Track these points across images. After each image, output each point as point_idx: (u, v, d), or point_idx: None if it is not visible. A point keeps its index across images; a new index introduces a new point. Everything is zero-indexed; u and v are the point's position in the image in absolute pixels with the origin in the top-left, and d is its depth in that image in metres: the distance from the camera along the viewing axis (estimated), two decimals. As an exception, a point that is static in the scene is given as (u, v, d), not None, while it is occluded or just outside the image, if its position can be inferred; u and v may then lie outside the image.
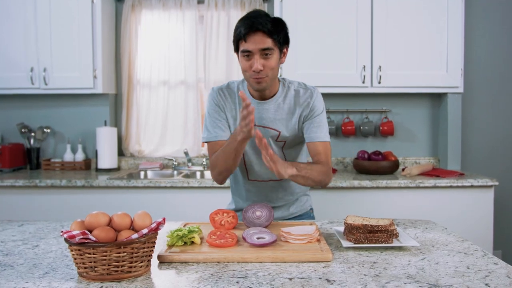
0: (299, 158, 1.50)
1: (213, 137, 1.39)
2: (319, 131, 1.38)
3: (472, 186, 2.34)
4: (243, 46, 1.29)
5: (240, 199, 1.53)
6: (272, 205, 1.48)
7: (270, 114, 1.39)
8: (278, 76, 1.42)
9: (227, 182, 1.54)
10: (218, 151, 1.34)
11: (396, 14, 2.52)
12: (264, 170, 1.42)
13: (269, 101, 1.38)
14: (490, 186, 2.35)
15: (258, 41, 1.27)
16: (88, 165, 2.78)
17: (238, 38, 1.30)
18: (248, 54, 1.29)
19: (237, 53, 1.34)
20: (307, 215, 1.57)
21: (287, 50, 1.37)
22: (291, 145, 1.43)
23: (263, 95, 1.38)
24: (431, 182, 2.32)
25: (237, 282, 0.88)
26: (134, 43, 2.81)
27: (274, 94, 1.39)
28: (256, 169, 1.44)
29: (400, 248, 1.11)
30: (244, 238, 1.11)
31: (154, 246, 0.97)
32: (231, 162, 1.31)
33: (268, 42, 1.27)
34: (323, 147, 1.37)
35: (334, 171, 2.67)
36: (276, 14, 2.55)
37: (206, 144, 1.50)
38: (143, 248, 0.93)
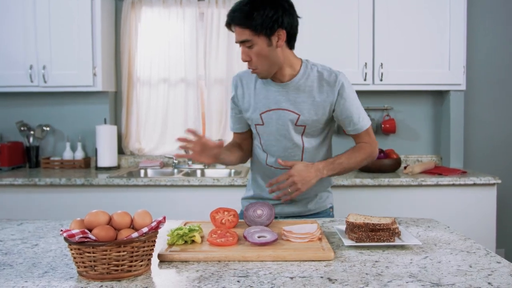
0: (319, 150, 1.44)
1: (231, 129, 1.52)
2: (360, 120, 1.38)
3: (474, 184, 2.33)
4: None
5: (258, 181, 1.51)
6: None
7: (290, 96, 1.36)
8: (302, 58, 1.40)
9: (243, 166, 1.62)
10: None
11: (398, 11, 2.50)
12: (279, 156, 1.41)
13: (288, 83, 1.36)
14: (493, 184, 2.34)
15: (237, 33, 1.29)
16: (87, 164, 2.78)
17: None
18: (239, 45, 1.32)
19: None
20: (326, 214, 1.53)
21: (280, 32, 1.29)
22: (311, 130, 1.39)
23: (280, 77, 1.36)
24: (433, 180, 2.31)
25: (238, 281, 0.88)
26: (134, 40, 2.80)
27: (294, 76, 1.36)
28: (273, 153, 1.42)
29: (402, 247, 1.11)
30: (245, 237, 1.10)
31: (154, 245, 0.97)
32: (227, 163, 1.48)
33: (245, 34, 1.27)
34: (366, 133, 1.41)
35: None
36: (277, 11, 2.54)
37: (247, 119, 1.52)
38: (143, 247, 0.93)
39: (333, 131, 1.49)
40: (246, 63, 1.33)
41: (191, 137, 1.33)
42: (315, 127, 1.38)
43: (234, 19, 1.26)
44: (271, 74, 1.34)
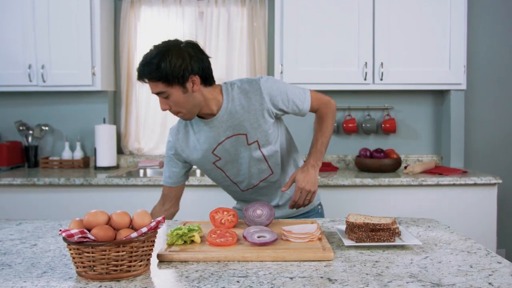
0: (282, 148, 1.45)
1: (168, 183, 1.51)
2: (303, 100, 1.41)
3: (475, 184, 2.32)
4: None
5: (244, 204, 1.52)
6: (282, 199, 1.48)
7: (228, 124, 1.34)
8: (220, 83, 1.37)
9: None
10: None
11: (398, 10, 2.49)
12: (250, 174, 1.41)
13: (218, 115, 1.33)
14: (494, 184, 2.33)
15: (151, 86, 1.27)
16: (86, 163, 2.77)
17: None
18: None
19: None
20: (315, 212, 1.55)
21: (193, 78, 1.26)
22: (265, 140, 1.38)
23: (209, 112, 1.34)
24: (433, 180, 2.31)
25: (238, 282, 0.88)
26: (133, 39, 2.79)
27: (221, 105, 1.34)
28: (244, 177, 1.42)
29: (402, 247, 1.10)
30: (244, 237, 1.10)
31: (153, 245, 0.97)
32: None
33: (158, 86, 1.25)
34: (315, 103, 1.44)
35: (336, 169, 2.65)
36: (277, 11, 2.53)
37: (200, 168, 1.53)
38: (143, 247, 0.92)
39: (283, 124, 1.48)
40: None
41: None
42: (266, 135, 1.38)
43: (145, 74, 1.24)
44: (195, 114, 1.33)
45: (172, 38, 1.33)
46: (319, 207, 1.59)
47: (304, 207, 1.41)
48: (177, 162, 1.45)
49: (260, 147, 1.38)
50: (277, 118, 1.42)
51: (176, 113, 1.31)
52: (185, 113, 1.31)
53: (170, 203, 1.53)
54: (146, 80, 1.25)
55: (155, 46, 1.27)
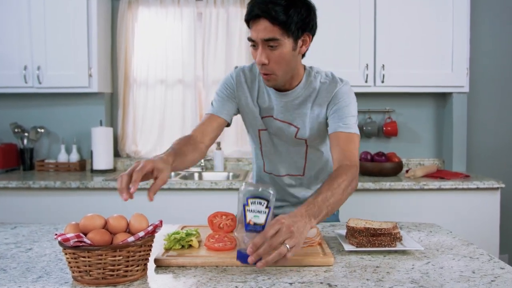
0: (324, 160, 1.38)
1: (214, 111, 1.31)
2: (343, 121, 1.21)
3: (477, 189, 2.31)
4: (249, 33, 1.16)
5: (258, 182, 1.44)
6: (290, 204, 1.42)
7: (288, 107, 1.27)
8: (304, 64, 1.29)
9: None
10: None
11: (400, 11, 2.48)
12: (281, 163, 1.34)
13: (289, 93, 1.26)
14: (496, 189, 2.32)
15: (261, 29, 1.11)
16: (83, 166, 2.75)
17: (245, 21, 1.17)
18: (253, 44, 1.15)
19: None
20: (334, 216, 1.50)
21: (309, 37, 1.18)
22: (314, 143, 1.32)
23: (283, 85, 1.25)
24: (435, 184, 2.30)
25: (236, 287, 0.86)
26: (131, 40, 2.78)
27: (296, 86, 1.26)
28: (272, 160, 1.36)
29: (403, 252, 1.09)
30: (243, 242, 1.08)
31: (150, 250, 0.95)
32: (182, 169, 1.23)
33: (274, 31, 1.11)
34: (345, 138, 1.19)
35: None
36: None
37: (246, 124, 1.40)
38: (140, 251, 0.91)
39: None
40: (258, 65, 1.18)
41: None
42: (317, 140, 1.31)
43: (268, 12, 1.09)
44: (283, 82, 1.22)
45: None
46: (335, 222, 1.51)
47: (268, 262, 0.90)
48: (230, 98, 1.31)
49: (307, 146, 1.32)
50: None
51: (269, 73, 1.17)
52: (279, 75, 1.18)
53: (202, 139, 1.28)
54: (255, 23, 1.10)
55: None
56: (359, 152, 2.68)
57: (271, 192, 0.95)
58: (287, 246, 0.90)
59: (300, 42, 1.18)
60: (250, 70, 1.33)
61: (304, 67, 1.30)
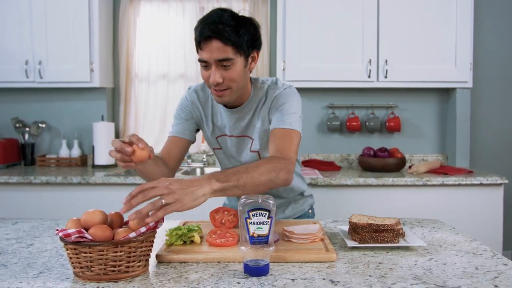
0: None
1: (174, 132, 1.33)
2: (281, 118, 1.21)
3: (481, 184, 2.30)
4: (200, 54, 1.16)
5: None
6: None
7: (241, 122, 1.28)
8: (252, 76, 1.30)
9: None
10: None
11: (403, 5, 2.47)
12: None
13: (239, 108, 1.27)
14: (500, 184, 2.31)
15: (215, 50, 1.12)
16: (84, 161, 2.74)
17: (195, 43, 1.17)
18: (205, 64, 1.16)
19: (197, 52, 1.19)
20: (306, 216, 1.49)
21: (257, 54, 1.21)
22: (265, 150, 1.30)
23: (233, 102, 1.25)
24: (438, 180, 2.29)
25: (238, 283, 0.86)
26: (133, 35, 2.77)
27: (246, 100, 1.27)
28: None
29: (406, 248, 1.09)
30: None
31: (152, 245, 0.95)
32: (148, 177, 1.25)
33: (227, 51, 1.13)
34: (281, 134, 1.19)
35: (339, 168, 2.62)
36: (279, 6, 2.50)
37: (205, 141, 1.45)
38: (141, 247, 0.91)
39: None
40: (207, 81, 1.18)
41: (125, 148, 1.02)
42: (267, 144, 1.29)
43: (220, 33, 1.10)
44: (235, 98, 1.22)
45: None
46: (310, 211, 1.51)
47: (141, 212, 0.92)
48: (188, 118, 1.32)
49: (260, 155, 1.32)
50: None
51: (224, 89, 1.18)
52: (234, 91, 1.19)
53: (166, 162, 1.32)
54: (206, 44, 1.11)
55: (223, 10, 1.16)
56: (362, 147, 2.68)
57: (271, 201, 0.95)
58: (162, 201, 0.93)
59: (249, 59, 1.20)
60: (203, 89, 1.34)
61: (251, 79, 1.30)
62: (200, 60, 1.16)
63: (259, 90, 1.28)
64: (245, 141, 1.31)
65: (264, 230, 0.94)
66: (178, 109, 1.36)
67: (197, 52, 1.18)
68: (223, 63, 1.14)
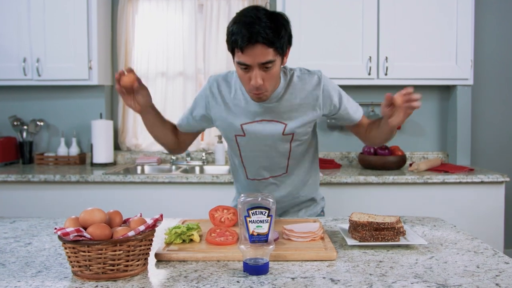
0: (306, 154, 1.41)
1: (178, 125, 1.44)
2: (355, 110, 1.37)
3: (482, 182, 2.29)
4: (239, 57, 1.16)
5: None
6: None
7: (273, 109, 1.29)
8: None
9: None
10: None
11: (404, 2, 2.45)
12: (263, 167, 1.36)
13: (270, 98, 1.27)
14: (501, 182, 2.30)
15: (258, 54, 1.14)
16: (83, 160, 2.73)
17: (233, 46, 1.17)
18: (245, 67, 1.17)
19: (232, 56, 1.21)
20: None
21: (289, 49, 1.24)
22: (300, 137, 1.34)
23: None
24: (439, 178, 2.28)
25: (238, 282, 0.86)
26: (131, 32, 2.76)
27: (276, 88, 1.28)
28: (254, 165, 1.38)
29: (407, 247, 1.09)
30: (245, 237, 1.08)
31: (151, 244, 0.95)
32: (155, 134, 1.40)
33: (269, 54, 1.15)
34: (364, 119, 1.41)
35: (339, 166, 2.62)
36: (279, 3, 2.49)
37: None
38: (140, 246, 0.91)
39: (316, 130, 1.45)
40: (247, 83, 1.21)
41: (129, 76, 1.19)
42: (304, 133, 1.34)
43: (264, 36, 1.11)
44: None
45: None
46: (322, 213, 1.54)
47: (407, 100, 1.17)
48: (204, 113, 1.37)
49: (292, 140, 1.33)
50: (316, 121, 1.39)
51: (262, 91, 1.21)
52: (270, 90, 1.23)
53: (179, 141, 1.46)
54: (248, 49, 1.12)
55: (257, 9, 1.16)
56: (362, 145, 2.66)
57: (271, 200, 0.95)
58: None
59: (285, 55, 1.23)
60: (225, 79, 1.35)
61: None
62: (240, 63, 1.17)
63: (289, 76, 1.30)
64: (277, 126, 1.31)
65: (263, 228, 0.94)
66: (197, 99, 1.39)
67: (232, 53, 1.19)
68: (265, 65, 1.16)
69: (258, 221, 0.93)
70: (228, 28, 1.18)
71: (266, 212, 0.94)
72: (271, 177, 1.39)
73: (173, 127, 1.44)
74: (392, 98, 1.18)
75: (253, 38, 1.12)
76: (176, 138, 1.43)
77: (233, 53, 1.20)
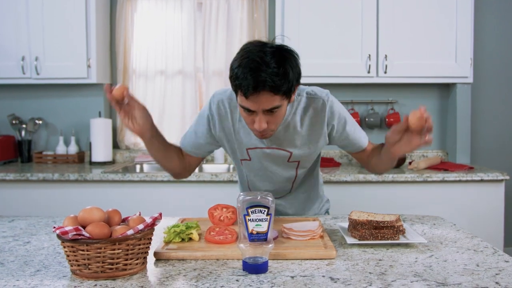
0: (310, 173, 1.40)
1: (183, 146, 1.34)
2: (360, 138, 1.29)
3: (482, 181, 2.29)
4: (243, 102, 1.09)
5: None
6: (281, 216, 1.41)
7: (279, 136, 1.24)
8: None
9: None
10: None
11: (403, 0, 2.45)
12: (269, 185, 1.35)
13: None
14: (501, 181, 2.30)
15: (263, 101, 1.06)
16: (81, 158, 2.73)
17: (236, 89, 1.09)
18: (249, 111, 1.10)
19: (235, 94, 1.13)
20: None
21: (298, 86, 1.14)
22: (306, 163, 1.32)
23: None
24: (439, 176, 2.28)
25: (237, 280, 0.86)
26: (130, 31, 2.75)
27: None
28: (258, 185, 1.37)
29: (407, 245, 1.09)
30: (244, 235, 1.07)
31: (150, 243, 0.95)
32: (159, 159, 1.30)
33: (275, 101, 1.06)
34: (369, 148, 1.32)
35: (338, 164, 2.62)
36: (278, 1, 2.48)
37: (229, 152, 1.38)
38: (139, 244, 0.91)
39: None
40: (250, 124, 1.14)
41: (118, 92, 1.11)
42: (310, 158, 1.31)
43: (270, 84, 1.03)
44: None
45: (256, 39, 1.13)
46: (327, 215, 1.53)
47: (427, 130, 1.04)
48: (210, 136, 1.29)
49: (298, 168, 1.31)
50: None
51: (267, 132, 1.14)
52: (276, 130, 1.16)
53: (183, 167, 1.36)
54: (253, 95, 1.03)
55: (262, 48, 1.06)
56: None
57: (270, 198, 0.95)
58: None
59: (292, 94, 1.14)
60: (230, 100, 1.25)
61: None
62: (243, 107, 1.10)
63: (296, 104, 1.23)
64: (281, 153, 1.27)
65: (263, 227, 0.93)
66: (201, 122, 1.29)
67: (235, 93, 1.11)
68: (271, 110, 1.09)
69: (257, 220, 0.93)
70: (232, 68, 1.09)
71: (265, 211, 0.94)
72: (276, 198, 1.38)
73: (178, 151, 1.34)
74: (408, 121, 1.05)
75: (259, 87, 1.04)
76: (181, 163, 1.34)
77: (236, 93, 1.12)
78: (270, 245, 0.93)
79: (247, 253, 0.92)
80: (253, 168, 1.33)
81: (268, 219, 0.93)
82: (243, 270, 0.92)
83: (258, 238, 0.93)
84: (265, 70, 1.03)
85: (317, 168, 1.43)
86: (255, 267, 0.90)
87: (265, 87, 1.04)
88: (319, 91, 1.26)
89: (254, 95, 1.05)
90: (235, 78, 1.07)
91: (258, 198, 0.94)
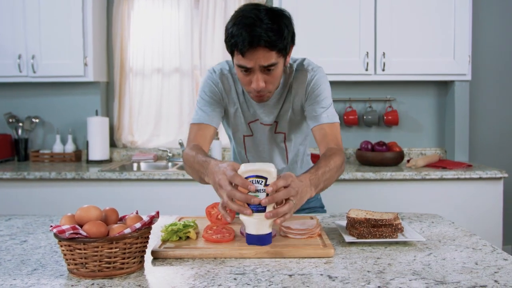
0: (301, 148, 1.41)
1: (203, 120, 1.26)
2: (325, 112, 1.21)
3: (480, 178, 2.29)
4: (239, 60, 1.10)
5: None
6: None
7: (274, 109, 1.26)
8: None
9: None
10: (191, 161, 1.16)
11: (401, -2, 2.45)
12: (266, 157, 1.35)
13: (271, 98, 1.24)
14: (499, 178, 2.30)
15: (260, 57, 1.08)
16: (78, 157, 2.72)
17: (233, 49, 1.10)
18: (246, 69, 1.12)
19: (231, 56, 1.14)
20: (318, 201, 1.53)
21: (292, 47, 1.16)
22: (291, 135, 1.33)
23: None
24: (437, 174, 2.28)
25: (235, 279, 0.85)
26: (127, 29, 2.74)
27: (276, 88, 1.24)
28: (256, 155, 1.37)
29: (405, 243, 1.08)
30: (242, 233, 1.07)
31: (147, 242, 0.95)
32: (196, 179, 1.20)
33: (272, 57, 1.08)
34: (330, 128, 1.21)
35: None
36: (276, -1, 2.48)
37: (230, 128, 1.37)
38: (136, 243, 0.90)
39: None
40: (247, 85, 1.16)
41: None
42: (295, 131, 1.32)
43: (266, 39, 1.04)
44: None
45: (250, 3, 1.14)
46: (321, 208, 1.55)
47: (279, 213, 0.95)
48: (218, 105, 1.26)
49: (285, 141, 1.32)
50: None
51: (264, 93, 1.16)
52: (272, 91, 1.18)
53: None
54: (249, 52, 1.04)
55: (257, 8, 1.08)
56: (359, 141, 2.67)
57: (272, 169, 0.94)
58: (293, 201, 0.95)
59: (288, 55, 1.16)
60: (230, 73, 1.27)
61: None
62: (241, 66, 1.11)
63: (288, 76, 1.25)
64: (272, 126, 1.30)
65: (260, 197, 0.94)
66: (207, 91, 1.27)
67: (231, 54, 1.12)
68: (268, 68, 1.11)
69: (255, 190, 0.94)
70: (227, 29, 1.10)
71: (263, 182, 0.94)
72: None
73: (202, 149, 1.26)
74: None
75: (255, 42, 1.05)
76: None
77: (232, 54, 1.13)
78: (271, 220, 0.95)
79: (248, 224, 0.94)
80: (254, 144, 1.34)
81: (265, 190, 0.93)
82: (247, 243, 0.93)
83: (257, 209, 0.95)
84: (260, 25, 1.05)
85: (306, 149, 1.45)
86: (259, 238, 0.91)
87: (260, 42, 1.05)
88: (308, 63, 1.27)
89: (251, 51, 1.07)
90: (230, 37, 1.09)
91: (257, 167, 0.95)
